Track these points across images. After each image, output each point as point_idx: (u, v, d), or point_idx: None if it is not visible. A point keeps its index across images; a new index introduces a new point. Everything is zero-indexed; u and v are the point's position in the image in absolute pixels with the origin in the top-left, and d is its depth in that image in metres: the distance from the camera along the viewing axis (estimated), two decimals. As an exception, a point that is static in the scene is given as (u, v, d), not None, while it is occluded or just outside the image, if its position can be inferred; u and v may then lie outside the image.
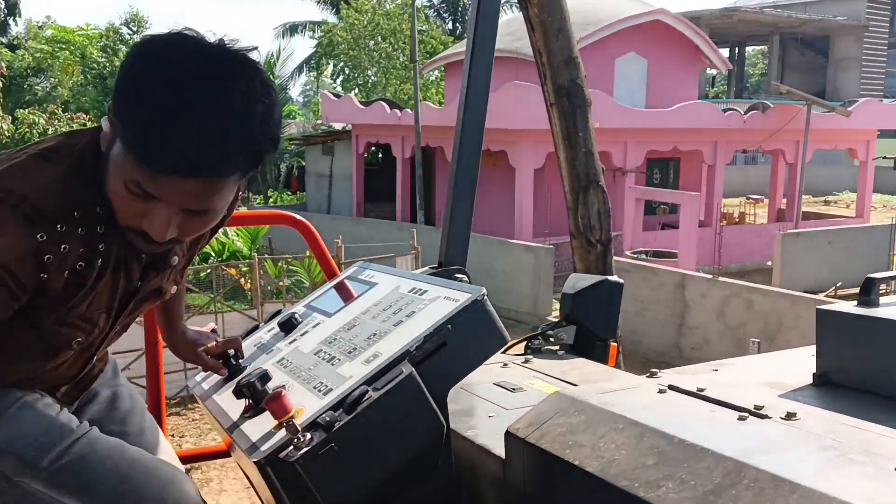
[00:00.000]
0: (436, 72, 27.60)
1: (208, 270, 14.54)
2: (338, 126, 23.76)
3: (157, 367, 2.06)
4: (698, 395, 1.36)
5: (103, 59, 24.33)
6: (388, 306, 1.63)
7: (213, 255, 16.53)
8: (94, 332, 1.43)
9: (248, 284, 13.74)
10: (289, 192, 27.66)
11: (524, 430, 1.37)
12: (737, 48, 37.48)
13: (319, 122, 27.54)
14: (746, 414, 1.26)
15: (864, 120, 19.14)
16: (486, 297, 1.46)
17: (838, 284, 12.85)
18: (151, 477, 1.39)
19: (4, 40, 33.50)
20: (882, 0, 31.98)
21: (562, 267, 14.97)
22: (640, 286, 11.27)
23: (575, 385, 1.80)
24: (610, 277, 2.18)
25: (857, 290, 1.46)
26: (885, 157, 22.09)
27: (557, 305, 14.01)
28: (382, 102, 20.90)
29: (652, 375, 1.49)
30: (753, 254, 17.81)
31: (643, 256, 13.97)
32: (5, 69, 16.38)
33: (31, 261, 1.22)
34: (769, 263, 15.14)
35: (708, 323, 10.99)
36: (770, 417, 1.25)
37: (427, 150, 19.41)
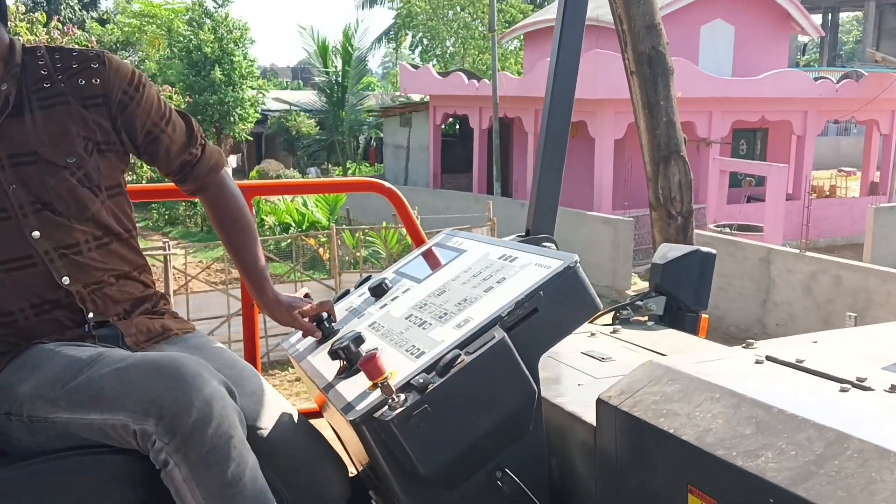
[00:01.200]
0: (515, 41, 27.34)
1: (288, 240, 14.89)
2: (416, 97, 23.83)
3: (253, 329, 2.13)
4: (797, 366, 1.33)
5: (189, 33, 24.85)
6: (478, 272, 1.64)
7: (294, 225, 16.90)
8: None
9: (327, 254, 14.02)
10: (367, 164, 27.94)
11: (616, 398, 1.36)
12: (830, 14, 35.94)
13: (398, 93, 27.66)
14: (848, 386, 1.23)
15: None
16: (578, 265, 1.45)
17: (934, 261, 12.30)
18: (149, 368, 1.43)
19: (94, 15, 34.63)
20: None
21: (642, 240, 14.75)
22: (723, 260, 11.00)
23: (666, 356, 1.78)
24: (702, 248, 2.14)
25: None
26: None
27: (636, 279, 13.82)
28: (460, 73, 20.84)
29: (748, 346, 1.46)
30: (844, 228, 17.19)
31: (727, 230, 13.63)
32: (95, 43, 16.89)
33: None
34: (860, 239, 14.59)
35: (794, 299, 10.68)
36: (873, 389, 1.22)
37: (505, 120, 19.29)
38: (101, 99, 1.63)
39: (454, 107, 21.06)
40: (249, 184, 2.27)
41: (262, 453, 1.57)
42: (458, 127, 23.99)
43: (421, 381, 1.33)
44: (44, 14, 13.98)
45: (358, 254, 13.36)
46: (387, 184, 2.31)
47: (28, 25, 13.63)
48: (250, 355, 2.15)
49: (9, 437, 1.55)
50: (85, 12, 34.45)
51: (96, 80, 1.62)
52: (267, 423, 1.61)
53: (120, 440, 1.44)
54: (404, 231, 13.27)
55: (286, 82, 43.74)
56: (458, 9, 28.33)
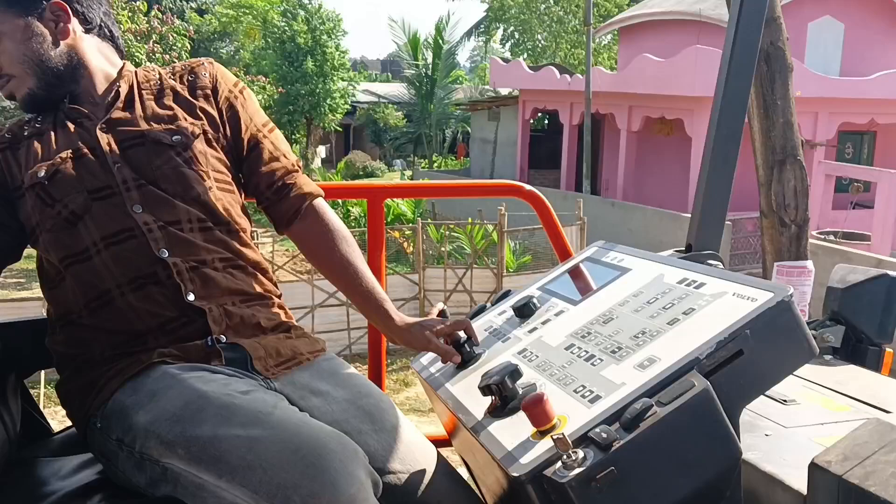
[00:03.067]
0: (607, 36, 26.76)
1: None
2: (504, 91, 23.54)
3: (380, 350, 1.94)
4: None
5: (283, 24, 25.15)
6: (653, 299, 1.39)
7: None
8: (70, 172, 1.52)
9: (411, 248, 13.91)
10: (453, 157, 27.81)
11: (839, 466, 1.11)
12: (943, 11, 34.00)
13: (486, 87, 27.44)
14: None
15: None
16: (793, 299, 1.19)
17: None
18: (286, 448, 1.21)
19: (193, 5, 35.45)
20: None
21: (737, 245, 14.19)
22: (827, 270, 10.28)
23: (871, 404, 1.51)
24: (891, 272, 1.85)
25: None
26: None
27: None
28: (552, 67, 20.46)
29: None
30: (957, 240, 16.14)
31: (832, 238, 12.93)
32: (193, 32, 17.19)
33: None
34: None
35: (905, 313, 10.02)
36: None
37: (596, 116, 18.84)
38: (209, 90, 1.67)
39: (544, 101, 20.70)
40: (380, 185, 2.08)
41: (400, 499, 1.38)
42: (546, 122, 23.60)
43: (604, 435, 1.09)
44: (144, 3, 14.25)
45: (442, 248, 13.20)
46: (528, 187, 2.09)
47: (129, 14, 13.92)
48: (375, 375, 1.96)
49: (114, 466, 1.39)
50: (184, 2, 35.29)
51: (205, 75, 1.69)
52: (406, 467, 1.41)
53: None
54: (490, 227, 13.13)
55: (375, 74, 44.02)
56: (552, 2, 27.89)
